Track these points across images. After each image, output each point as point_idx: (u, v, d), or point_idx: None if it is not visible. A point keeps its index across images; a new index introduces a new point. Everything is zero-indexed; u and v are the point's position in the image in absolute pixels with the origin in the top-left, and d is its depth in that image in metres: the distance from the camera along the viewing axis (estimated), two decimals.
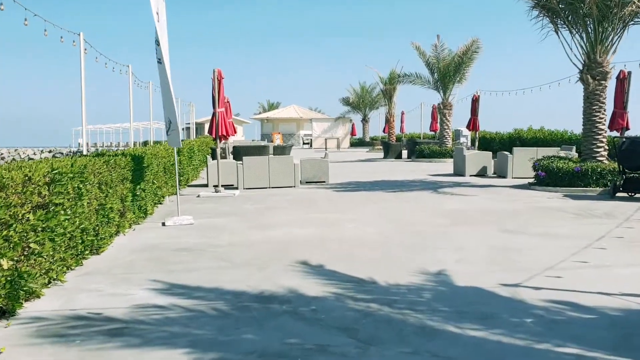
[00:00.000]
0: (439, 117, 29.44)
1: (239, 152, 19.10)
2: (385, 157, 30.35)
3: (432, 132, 38.10)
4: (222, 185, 13.64)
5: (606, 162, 13.87)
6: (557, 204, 11.27)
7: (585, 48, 14.14)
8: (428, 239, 7.82)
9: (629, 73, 14.92)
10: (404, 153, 31.11)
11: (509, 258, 6.67)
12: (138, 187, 9.26)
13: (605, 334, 4.17)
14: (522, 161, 17.04)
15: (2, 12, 10.11)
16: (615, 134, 15.77)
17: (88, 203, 6.59)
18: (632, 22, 13.67)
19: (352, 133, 51.10)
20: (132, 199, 8.82)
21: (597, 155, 14.00)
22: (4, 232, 4.49)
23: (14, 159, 51.66)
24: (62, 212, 5.64)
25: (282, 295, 5.23)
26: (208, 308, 4.88)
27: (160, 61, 9.20)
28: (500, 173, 17.97)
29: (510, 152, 17.85)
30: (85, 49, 13.19)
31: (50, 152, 59.63)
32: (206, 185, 15.24)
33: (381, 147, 34.92)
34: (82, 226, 6.28)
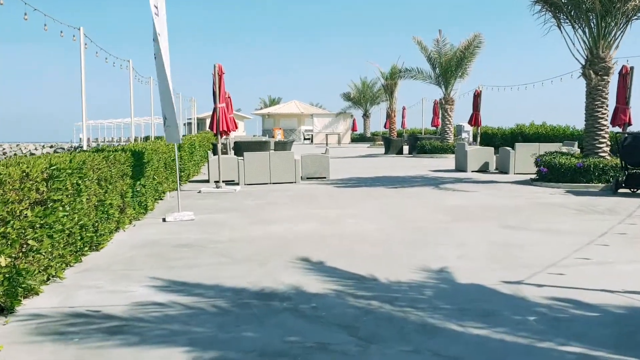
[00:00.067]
0: (440, 112, 29.33)
1: (240, 148, 19.05)
2: (386, 152, 30.26)
3: (434, 128, 37.98)
4: (223, 181, 13.60)
5: (608, 158, 13.81)
6: (559, 200, 11.22)
7: (587, 43, 14.05)
8: (429, 235, 7.77)
9: (632, 68, 14.83)
10: (405, 149, 31.02)
11: (510, 254, 6.62)
12: (138, 182, 9.22)
13: (608, 332, 4.13)
14: (524, 157, 16.98)
15: (2, 8, 10.04)
16: (617, 129, 15.71)
17: (87, 199, 6.56)
18: (636, 17, 13.57)
19: (353, 128, 50.94)
20: (132, 194, 8.78)
21: (600, 151, 13.93)
22: (2, 229, 4.45)
23: (15, 154, 51.70)
24: (61, 208, 5.60)
25: (283, 292, 5.20)
26: (208, 305, 4.85)
27: (156, 57, 9.14)
28: (502, 169, 17.91)
29: (513, 147, 17.79)
30: (86, 44, 13.11)
31: (51, 147, 59.67)
32: (207, 181, 15.20)
33: (382, 142, 34.82)
34: (81, 222, 6.25)
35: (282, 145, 21.88)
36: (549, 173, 13.80)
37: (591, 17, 13.71)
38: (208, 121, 15.17)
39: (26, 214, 4.82)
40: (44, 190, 5.26)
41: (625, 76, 14.88)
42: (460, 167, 18.91)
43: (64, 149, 55.73)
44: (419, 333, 4.13)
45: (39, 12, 10.78)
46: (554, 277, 5.57)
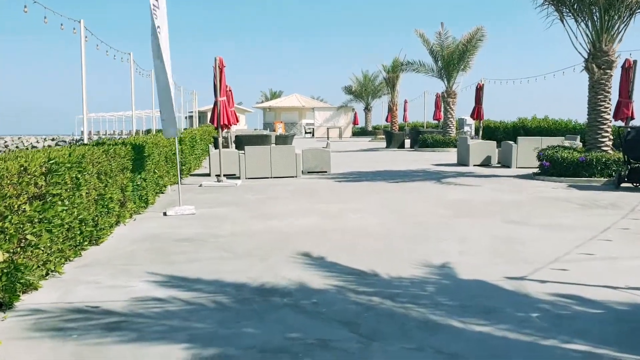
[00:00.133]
0: (442, 105, 29.23)
1: (242, 142, 18.98)
2: (387, 146, 30.14)
3: (436, 121, 37.86)
4: (224, 175, 13.55)
5: (611, 152, 13.74)
6: (561, 195, 11.16)
7: (590, 37, 13.95)
8: (431, 230, 7.73)
9: (635, 62, 14.76)
10: (407, 142, 30.88)
11: (513, 250, 6.58)
12: (139, 176, 9.18)
13: (612, 329, 4.08)
14: (526, 151, 16.91)
15: (2, 1, 9.98)
16: (620, 123, 15.64)
17: (87, 193, 6.51)
18: (639, 10, 13.47)
19: (355, 122, 50.78)
20: (133, 188, 8.74)
21: (602, 145, 13.86)
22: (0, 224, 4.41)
23: (17, 147, 51.69)
24: (60, 202, 5.56)
25: (284, 287, 5.16)
26: (208, 301, 4.81)
27: (154, 53, 9.10)
28: (505, 163, 17.84)
29: (515, 141, 17.72)
30: (86, 37, 13.04)
31: (53, 140, 59.59)
32: (208, 175, 15.15)
33: (384, 136, 34.70)
34: (80, 217, 6.20)
35: (283, 139, 21.78)
36: (552, 167, 13.74)
37: (594, 10, 13.61)
38: (209, 114, 15.09)
39: (24, 208, 4.78)
40: (42, 185, 5.21)
41: (628, 70, 14.81)
42: (463, 161, 18.84)
43: (65, 141, 55.66)
44: (420, 330, 4.09)
45: (39, 5, 10.72)
46: (556, 273, 5.53)
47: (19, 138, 61.20)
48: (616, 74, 14.23)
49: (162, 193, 11.49)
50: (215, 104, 13.54)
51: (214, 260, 6.22)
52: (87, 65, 12.75)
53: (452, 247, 6.71)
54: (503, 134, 26.52)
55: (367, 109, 52.71)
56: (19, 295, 4.76)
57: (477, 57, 26.81)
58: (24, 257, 4.79)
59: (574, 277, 5.40)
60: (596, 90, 13.92)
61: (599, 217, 8.59)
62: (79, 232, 6.23)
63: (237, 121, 16.99)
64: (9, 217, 4.51)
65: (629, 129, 12.45)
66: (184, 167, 14.43)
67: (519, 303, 4.66)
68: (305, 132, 51.20)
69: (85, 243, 6.55)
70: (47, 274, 5.43)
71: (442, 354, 3.67)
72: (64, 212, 5.65)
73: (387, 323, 4.23)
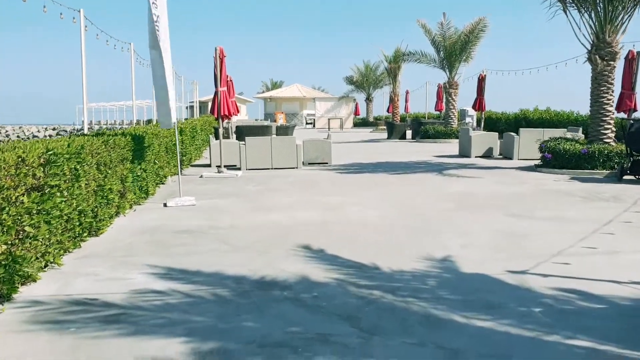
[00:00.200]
0: (444, 96, 29.10)
1: (242, 132, 18.91)
2: (389, 137, 30.03)
3: (437, 112, 37.74)
4: (224, 166, 13.50)
5: (613, 144, 13.65)
6: (564, 187, 11.10)
7: (594, 28, 13.82)
8: (432, 223, 7.68)
9: (638, 53, 14.63)
10: (409, 133, 30.74)
11: (515, 243, 6.53)
12: (139, 167, 9.13)
13: (615, 325, 4.04)
14: (528, 142, 16.84)
15: None
16: (622, 115, 15.54)
17: (86, 184, 6.46)
18: None
19: (356, 113, 50.58)
20: (133, 179, 8.69)
21: (605, 137, 13.78)
22: None
23: (18, 136, 51.62)
24: (58, 194, 5.51)
25: (284, 280, 5.12)
26: (208, 294, 4.77)
27: (150, 43, 9.03)
28: (506, 154, 17.77)
29: (516, 132, 17.63)
30: (86, 26, 12.94)
31: (54, 129, 59.52)
32: (209, 165, 15.10)
33: (385, 127, 34.59)
34: (79, 208, 6.16)
35: (284, 130, 21.71)
36: (553, 159, 13.67)
37: (598, 0, 13.48)
38: (210, 105, 15.01)
39: (22, 200, 4.73)
40: (40, 176, 5.16)
41: (631, 61, 14.69)
42: (464, 152, 18.77)
43: (66, 131, 55.55)
44: (422, 325, 4.05)
45: None
46: (559, 267, 5.48)
47: (20, 127, 61.13)
48: (619, 65, 14.12)
49: (163, 184, 11.45)
50: (216, 94, 13.46)
51: (214, 252, 6.18)
52: (88, 54, 12.65)
53: (453, 240, 6.66)
54: (505, 125, 26.41)
55: (368, 100, 52.48)
56: (17, 288, 4.73)
57: (479, 48, 26.63)
58: (22, 249, 4.74)
59: (576, 271, 5.35)
60: (599, 81, 13.82)
61: (602, 210, 8.53)
62: (78, 224, 6.18)
63: (238, 112, 16.92)
64: (7, 208, 4.46)
65: (631, 121, 12.38)
66: (184, 158, 14.38)
67: (521, 297, 4.62)
68: (307, 123, 51.04)
69: (85, 234, 6.51)
70: (45, 266, 5.39)
71: (443, 350, 3.63)
72: (63, 203, 5.60)
73: (388, 318, 4.19)
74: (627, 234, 6.95)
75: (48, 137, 7.86)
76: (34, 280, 5.03)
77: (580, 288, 4.83)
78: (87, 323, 4.13)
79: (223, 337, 3.86)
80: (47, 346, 3.76)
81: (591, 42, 13.91)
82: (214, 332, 3.95)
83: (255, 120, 50.45)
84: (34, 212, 4.96)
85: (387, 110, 43.24)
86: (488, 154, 18.32)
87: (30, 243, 4.91)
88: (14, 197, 4.60)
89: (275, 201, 9.52)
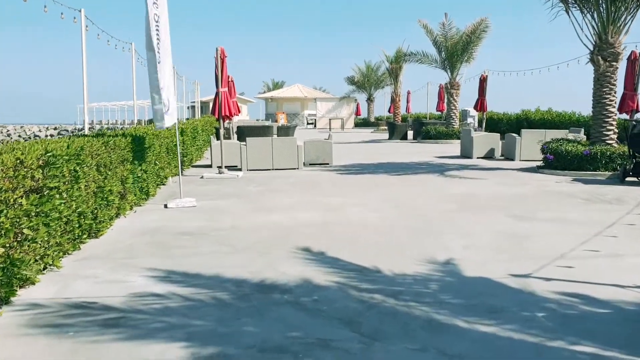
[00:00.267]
0: (446, 97, 29.02)
1: (243, 132, 18.86)
2: (390, 138, 29.94)
3: (439, 113, 37.69)
4: (225, 166, 13.47)
5: (616, 145, 13.60)
6: (566, 188, 11.05)
7: (596, 28, 13.77)
8: (434, 225, 7.64)
9: None
10: (410, 134, 30.66)
11: (517, 245, 6.48)
12: (139, 168, 9.09)
13: (619, 330, 3.99)
14: (530, 143, 16.78)
15: None
16: (625, 116, 15.48)
17: (85, 186, 6.43)
18: None
19: (357, 113, 50.51)
20: (133, 180, 8.65)
21: (607, 138, 13.73)
22: None
23: (19, 136, 51.62)
24: (58, 196, 5.46)
25: (284, 283, 5.08)
26: (208, 297, 4.73)
27: (146, 44, 8.99)
28: (508, 155, 17.71)
29: (518, 133, 17.58)
30: (87, 26, 12.92)
31: (55, 129, 59.54)
32: (210, 166, 15.06)
33: (386, 127, 34.50)
34: (79, 210, 6.12)
35: (285, 130, 21.65)
36: (556, 160, 13.61)
37: (600, 1, 13.42)
38: (211, 105, 14.98)
39: (21, 202, 4.69)
40: (39, 178, 5.12)
41: (634, 62, 14.64)
42: (466, 153, 18.71)
43: (67, 131, 55.55)
44: (424, 330, 4.01)
45: None
46: (562, 270, 5.43)
47: (21, 127, 61.15)
48: (622, 66, 14.07)
49: (163, 185, 11.41)
50: (217, 94, 13.43)
51: (215, 254, 6.14)
52: (88, 54, 12.62)
53: (456, 242, 6.61)
54: (506, 126, 26.33)
55: (369, 100, 52.40)
56: (16, 290, 4.69)
57: (480, 49, 26.60)
58: (20, 252, 4.70)
59: (579, 274, 5.30)
60: (601, 82, 13.76)
61: (604, 212, 8.48)
62: (77, 226, 6.14)
63: (239, 112, 16.88)
64: (5, 211, 4.42)
65: (634, 122, 12.31)
66: (185, 159, 14.34)
67: (524, 302, 4.57)
68: (308, 123, 51.00)
69: (84, 236, 6.47)
70: (45, 268, 5.35)
71: (446, 355, 3.59)
72: (62, 205, 5.56)
73: (389, 322, 4.14)
74: (630, 237, 6.90)
75: (49, 137, 7.82)
76: (33, 283, 4.99)
77: (584, 292, 4.79)
78: (86, 327, 4.09)
79: (223, 341, 3.82)
80: (46, 350, 3.72)
81: (593, 43, 13.85)
82: (213, 336, 3.91)
83: (257, 120, 50.44)
84: (33, 214, 4.91)
85: (389, 111, 43.18)
86: (490, 155, 18.26)
87: (28, 246, 4.87)
88: (12, 200, 4.56)
89: (276, 202, 9.48)
